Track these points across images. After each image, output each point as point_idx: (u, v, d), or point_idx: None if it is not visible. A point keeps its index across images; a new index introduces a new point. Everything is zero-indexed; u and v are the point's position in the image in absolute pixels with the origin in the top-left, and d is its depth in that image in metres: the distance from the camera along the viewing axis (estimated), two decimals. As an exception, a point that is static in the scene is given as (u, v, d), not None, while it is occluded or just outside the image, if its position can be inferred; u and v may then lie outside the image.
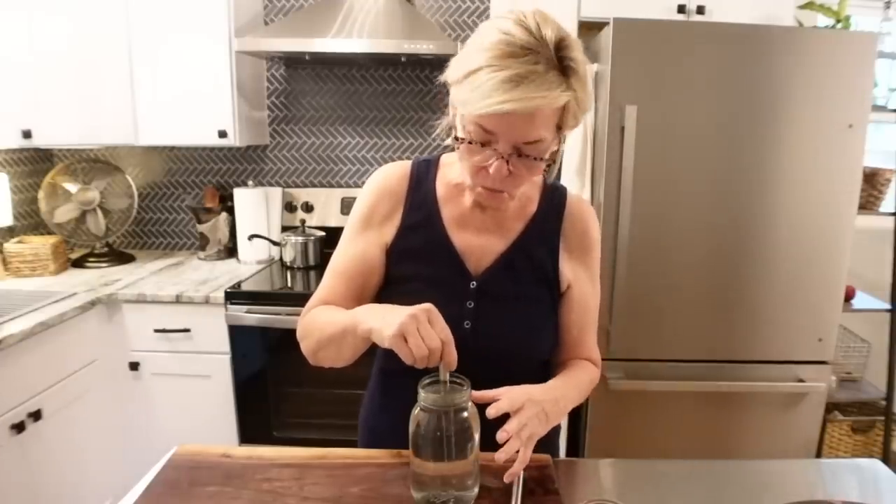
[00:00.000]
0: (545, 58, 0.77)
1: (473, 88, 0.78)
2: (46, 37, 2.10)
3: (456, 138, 0.86)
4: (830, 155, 1.83)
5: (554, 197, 1.01)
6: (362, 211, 1.00)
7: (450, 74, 0.84)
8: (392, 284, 0.98)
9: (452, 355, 0.78)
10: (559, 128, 0.84)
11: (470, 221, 0.98)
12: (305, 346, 0.98)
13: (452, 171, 0.99)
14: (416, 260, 0.97)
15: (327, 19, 2.17)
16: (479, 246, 0.97)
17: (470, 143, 0.83)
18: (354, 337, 0.85)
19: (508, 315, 0.96)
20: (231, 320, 2.05)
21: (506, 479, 0.80)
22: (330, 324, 0.91)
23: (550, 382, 0.92)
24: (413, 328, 0.76)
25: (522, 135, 0.80)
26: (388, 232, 0.98)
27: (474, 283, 0.96)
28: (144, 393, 2.13)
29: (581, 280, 1.01)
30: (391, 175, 1.01)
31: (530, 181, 0.98)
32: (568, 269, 1.00)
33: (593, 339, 1.06)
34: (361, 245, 0.98)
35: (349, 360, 0.93)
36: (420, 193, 0.99)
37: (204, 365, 2.10)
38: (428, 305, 0.79)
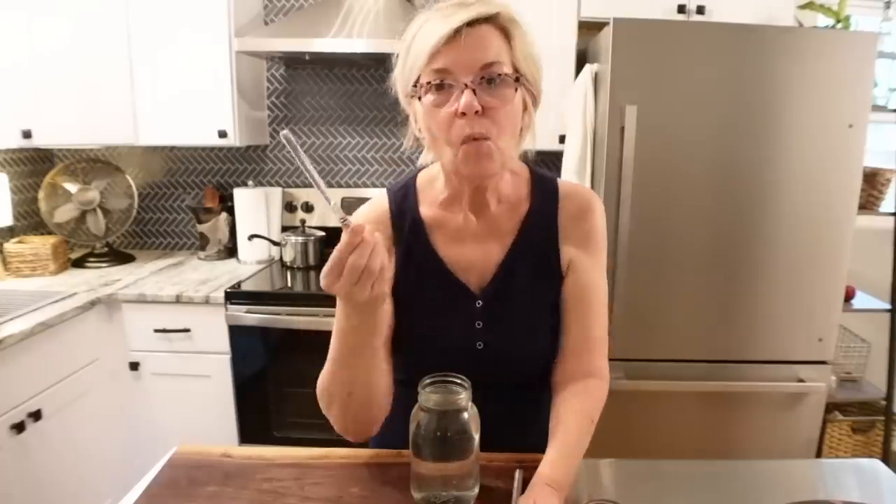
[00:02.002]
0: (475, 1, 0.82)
1: (418, 41, 0.82)
2: (46, 37, 2.10)
3: (419, 98, 0.83)
4: (830, 155, 1.83)
5: (544, 187, 0.97)
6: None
7: (397, 66, 0.87)
8: (399, 322, 0.93)
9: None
10: (517, 71, 0.83)
11: (465, 234, 0.94)
12: (334, 413, 0.88)
13: (434, 188, 0.96)
14: (417, 292, 0.93)
15: (327, 19, 2.17)
16: (479, 258, 0.94)
17: (430, 87, 0.82)
18: (346, 334, 0.81)
19: (516, 326, 0.93)
20: (231, 320, 2.05)
21: None
22: (331, 362, 0.86)
23: (563, 470, 0.82)
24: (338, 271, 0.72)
25: (476, 58, 0.80)
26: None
27: (479, 301, 0.93)
28: (144, 393, 2.13)
29: (581, 262, 0.95)
30: (369, 215, 0.96)
31: (517, 172, 0.96)
32: (568, 252, 0.95)
33: (601, 341, 0.96)
34: None
35: (367, 376, 0.85)
36: (405, 224, 0.95)
37: (204, 365, 2.10)
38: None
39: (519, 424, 0.98)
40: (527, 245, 0.95)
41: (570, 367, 0.94)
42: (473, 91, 0.80)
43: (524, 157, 0.98)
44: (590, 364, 0.95)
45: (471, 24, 0.79)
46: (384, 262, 0.72)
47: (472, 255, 0.94)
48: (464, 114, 0.79)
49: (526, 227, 0.95)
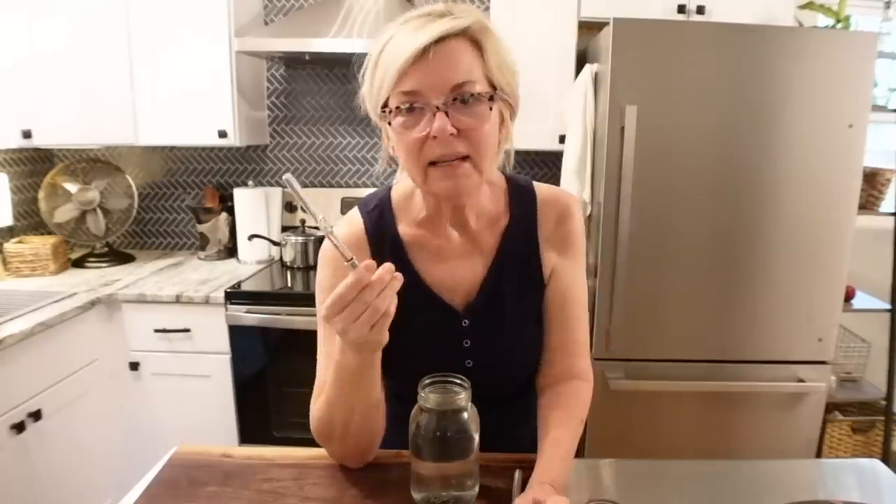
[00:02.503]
0: (442, 10, 0.79)
1: (385, 59, 0.78)
2: (46, 37, 2.10)
3: (389, 123, 0.80)
4: (830, 155, 1.83)
5: (522, 196, 0.95)
6: (328, 294, 0.88)
7: (364, 84, 0.83)
8: (386, 346, 0.88)
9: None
10: (492, 84, 0.80)
11: (447, 253, 0.92)
12: (334, 446, 0.88)
13: (411, 206, 0.93)
14: (401, 315, 0.87)
15: (327, 19, 2.17)
16: (463, 276, 0.92)
17: (400, 111, 0.78)
18: (343, 371, 0.79)
19: (504, 341, 0.93)
20: (231, 320, 2.05)
21: None
22: (326, 397, 0.84)
23: (559, 470, 0.82)
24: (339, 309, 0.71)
25: (447, 78, 0.76)
26: None
27: (466, 321, 0.92)
28: (144, 393, 2.13)
29: (562, 267, 0.94)
30: (343, 237, 0.89)
31: (494, 183, 0.94)
32: (549, 259, 0.94)
33: (584, 344, 0.96)
34: None
35: (364, 409, 0.83)
36: (384, 245, 0.91)
37: (204, 365, 2.10)
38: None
39: (512, 430, 0.98)
40: (509, 259, 0.93)
41: (555, 370, 0.94)
42: (446, 113, 0.76)
43: (502, 166, 0.94)
44: (573, 367, 0.94)
45: (439, 40, 0.75)
46: (391, 305, 0.71)
47: (456, 273, 0.92)
48: (436, 137, 0.76)
49: (507, 241, 0.93)
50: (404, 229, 0.93)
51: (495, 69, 0.80)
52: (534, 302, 0.94)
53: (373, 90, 0.81)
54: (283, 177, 0.71)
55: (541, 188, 0.97)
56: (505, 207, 0.95)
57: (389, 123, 0.80)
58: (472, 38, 0.78)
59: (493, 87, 0.80)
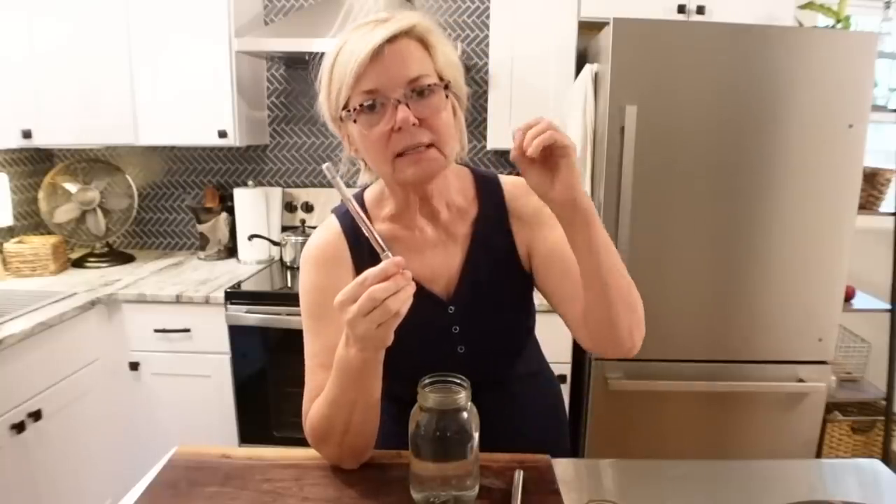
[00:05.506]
0: (386, 16, 0.84)
1: (340, 64, 0.82)
2: (46, 37, 2.11)
3: (354, 121, 0.84)
4: (830, 155, 1.83)
5: (488, 186, 0.99)
6: (313, 295, 0.92)
7: (321, 93, 0.87)
8: None
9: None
10: (441, 78, 0.85)
11: (422, 245, 0.96)
12: (330, 448, 0.88)
13: (383, 205, 0.97)
14: None
15: (327, 19, 2.17)
16: (441, 266, 0.95)
17: (362, 109, 0.82)
18: (348, 372, 0.79)
19: (492, 324, 0.96)
20: (231, 320, 2.05)
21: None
22: (327, 400, 0.84)
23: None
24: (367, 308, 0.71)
25: (402, 73, 0.81)
26: None
27: (451, 307, 0.95)
28: (144, 393, 2.13)
29: (541, 235, 0.96)
30: (324, 244, 0.95)
31: (460, 176, 0.97)
32: (523, 240, 0.97)
33: None
34: (333, 331, 0.85)
35: (364, 411, 0.84)
36: (361, 244, 0.92)
37: (204, 365, 2.10)
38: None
39: (508, 416, 0.99)
40: (484, 245, 0.96)
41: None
42: (406, 105, 0.81)
43: (461, 160, 0.98)
44: None
45: (390, 40, 0.80)
46: (402, 307, 0.72)
47: (433, 264, 0.95)
48: (401, 128, 0.81)
49: (479, 229, 0.97)
50: (378, 226, 0.96)
51: (443, 66, 0.86)
52: (514, 285, 0.97)
53: (331, 95, 0.85)
54: (323, 166, 0.77)
55: (505, 177, 1.02)
56: (473, 198, 0.99)
57: (355, 121, 0.84)
58: (420, 38, 0.84)
59: (444, 80, 0.85)
